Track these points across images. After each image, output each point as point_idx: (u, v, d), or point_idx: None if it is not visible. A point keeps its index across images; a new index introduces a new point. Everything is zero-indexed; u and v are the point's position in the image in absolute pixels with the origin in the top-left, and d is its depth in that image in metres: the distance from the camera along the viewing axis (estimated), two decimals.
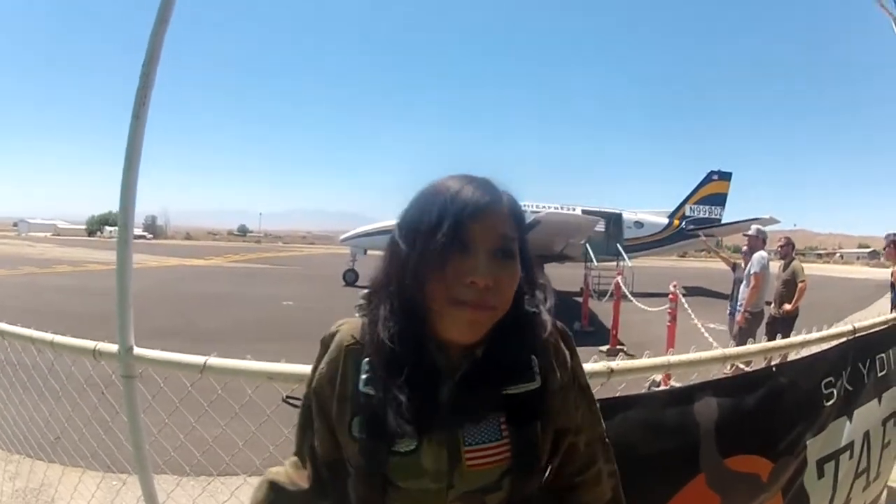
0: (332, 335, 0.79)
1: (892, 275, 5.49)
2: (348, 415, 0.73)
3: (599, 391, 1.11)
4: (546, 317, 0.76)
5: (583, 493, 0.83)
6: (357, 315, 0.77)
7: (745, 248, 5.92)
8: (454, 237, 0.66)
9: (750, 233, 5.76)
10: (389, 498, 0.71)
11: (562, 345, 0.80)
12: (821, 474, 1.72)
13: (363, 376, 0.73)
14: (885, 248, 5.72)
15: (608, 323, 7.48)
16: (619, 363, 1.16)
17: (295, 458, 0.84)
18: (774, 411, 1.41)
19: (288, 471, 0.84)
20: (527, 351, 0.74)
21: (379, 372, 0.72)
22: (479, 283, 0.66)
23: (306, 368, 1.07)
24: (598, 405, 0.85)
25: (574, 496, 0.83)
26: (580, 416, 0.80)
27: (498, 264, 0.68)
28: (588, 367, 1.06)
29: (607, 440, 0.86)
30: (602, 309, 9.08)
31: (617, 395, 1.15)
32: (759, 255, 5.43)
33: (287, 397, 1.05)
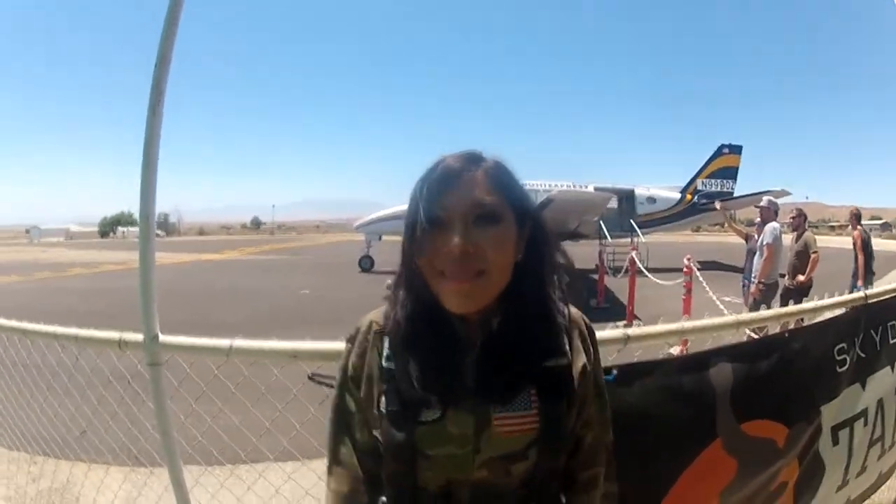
0: (357, 328, 0.83)
1: None
2: (376, 393, 0.76)
3: (616, 358, 1.13)
4: (560, 297, 0.78)
5: (573, 494, 0.82)
6: (385, 299, 0.80)
7: (757, 220, 5.97)
8: (429, 213, 0.69)
9: (762, 204, 5.77)
10: (419, 468, 0.73)
11: (587, 334, 0.83)
12: (835, 441, 1.73)
13: (385, 353, 0.76)
14: None
15: (624, 299, 7.51)
16: (634, 330, 1.18)
17: (334, 471, 0.81)
18: (788, 376, 1.42)
19: (332, 488, 0.81)
20: (543, 323, 0.76)
21: (400, 346, 0.75)
22: (454, 251, 0.68)
23: (330, 345, 1.10)
24: (609, 414, 0.86)
25: (568, 493, 0.83)
26: (591, 412, 0.82)
27: (478, 230, 0.69)
28: (605, 333, 1.08)
29: (612, 454, 0.86)
30: (617, 285, 9.12)
31: (635, 360, 1.17)
32: (772, 226, 5.44)
33: (312, 374, 1.08)
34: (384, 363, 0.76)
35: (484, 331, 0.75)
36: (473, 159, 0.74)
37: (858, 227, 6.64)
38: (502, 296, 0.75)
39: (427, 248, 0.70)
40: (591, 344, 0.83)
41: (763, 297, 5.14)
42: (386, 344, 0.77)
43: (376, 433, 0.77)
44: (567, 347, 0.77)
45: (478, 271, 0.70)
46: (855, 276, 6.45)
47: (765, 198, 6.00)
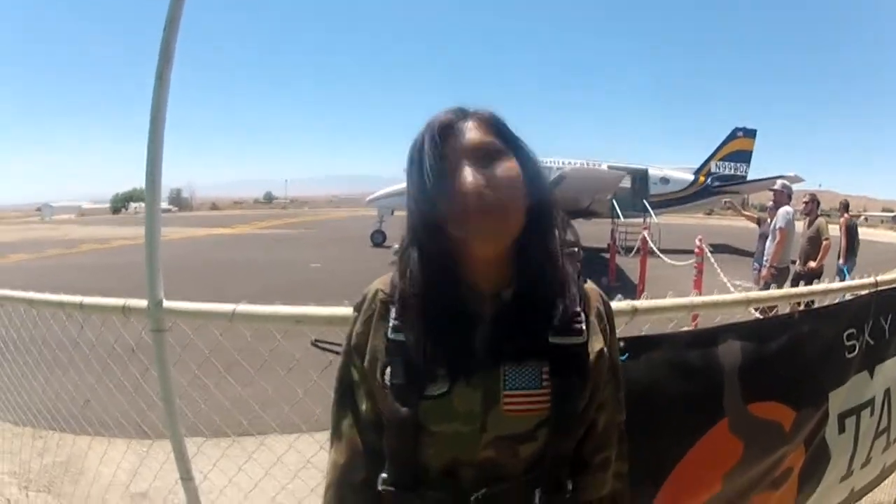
0: (364, 296, 0.80)
1: None
2: (380, 364, 0.74)
3: (624, 330, 1.12)
4: (570, 260, 0.76)
5: (583, 476, 0.78)
6: (391, 264, 0.78)
7: (770, 204, 6.00)
8: (433, 165, 0.68)
9: (776, 187, 5.76)
10: (423, 445, 0.71)
11: (604, 313, 0.80)
12: (842, 429, 1.71)
13: (392, 323, 0.74)
14: None
15: (635, 278, 7.52)
16: (643, 303, 1.17)
17: (335, 441, 0.80)
18: (797, 358, 1.40)
19: (332, 458, 0.80)
20: (554, 294, 0.74)
21: (407, 316, 0.72)
22: (469, 188, 0.67)
23: (335, 311, 1.09)
24: (623, 394, 0.83)
25: (579, 475, 0.79)
26: (606, 394, 0.79)
27: (486, 167, 0.69)
28: (612, 305, 1.06)
29: (625, 433, 0.84)
30: (629, 265, 9.10)
31: (643, 333, 1.16)
32: (785, 209, 5.42)
33: (316, 340, 1.07)
34: (390, 334, 0.74)
35: (495, 304, 0.73)
36: (463, 111, 0.73)
37: (846, 214, 7.35)
38: (513, 261, 0.73)
39: (440, 201, 0.68)
40: (609, 323, 0.80)
41: (774, 282, 5.13)
42: (392, 314, 0.74)
43: (380, 406, 0.75)
44: (583, 325, 0.74)
45: (495, 205, 0.68)
46: (838, 255, 7.00)
47: (779, 181, 6.03)
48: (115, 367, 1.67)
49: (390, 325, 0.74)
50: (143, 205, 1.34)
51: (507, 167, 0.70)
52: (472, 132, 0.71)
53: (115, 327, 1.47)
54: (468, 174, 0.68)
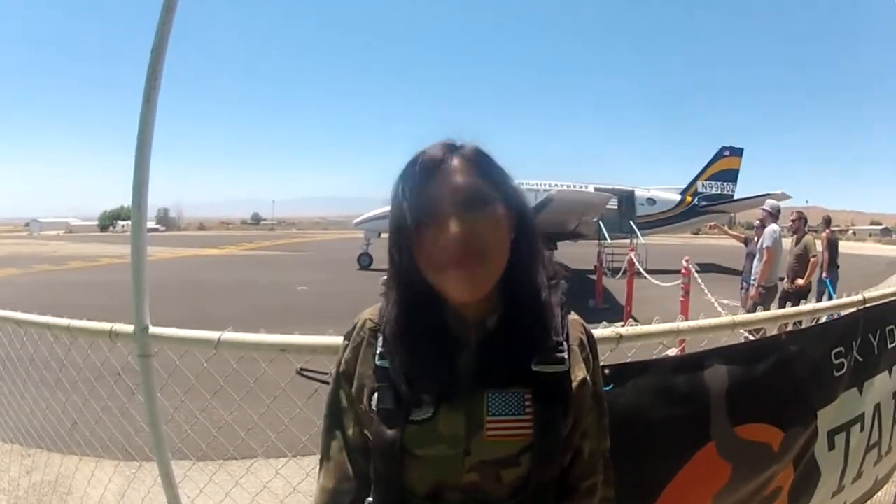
0: (353, 325, 0.82)
1: None
2: (367, 391, 0.75)
3: (609, 357, 1.12)
4: (554, 291, 0.77)
5: (570, 503, 0.79)
6: (381, 295, 0.79)
7: (756, 222, 6.10)
8: (416, 210, 0.68)
9: (764, 207, 5.82)
10: (408, 468, 0.72)
11: (586, 343, 0.81)
12: (832, 446, 1.71)
13: (379, 351, 0.75)
14: None
15: (622, 300, 7.55)
16: (628, 329, 1.17)
17: (324, 466, 0.80)
18: (784, 379, 1.41)
19: (321, 483, 0.80)
20: (539, 324, 0.75)
21: (393, 343, 0.74)
22: (452, 240, 0.67)
23: (319, 340, 1.09)
24: (608, 421, 0.84)
25: (566, 502, 0.79)
26: (589, 422, 0.80)
27: (469, 216, 0.68)
28: (597, 332, 1.07)
29: (610, 460, 0.84)
30: (616, 286, 9.13)
31: (628, 360, 1.16)
32: (770, 228, 5.49)
33: (301, 369, 1.07)
34: (377, 361, 0.75)
35: (479, 331, 0.74)
36: (450, 148, 0.73)
37: (827, 230, 7.45)
38: (498, 291, 0.74)
39: (422, 243, 0.69)
40: (592, 352, 0.81)
41: (762, 300, 5.15)
42: (380, 342, 0.76)
43: (367, 432, 0.76)
44: (565, 354, 0.75)
45: (477, 255, 0.68)
46: (821, 268, 7.09)
47: (768, 201, 6.07)
48: (103, 389, 1.66)
49: (377, 352, 0.76)
50: (130, 223, 1.34)
51: (491, 214, 0.70)
52: (457, 175, 0.70)
53: (102, 349, 1.46)
54: (451, 224, 0.68)
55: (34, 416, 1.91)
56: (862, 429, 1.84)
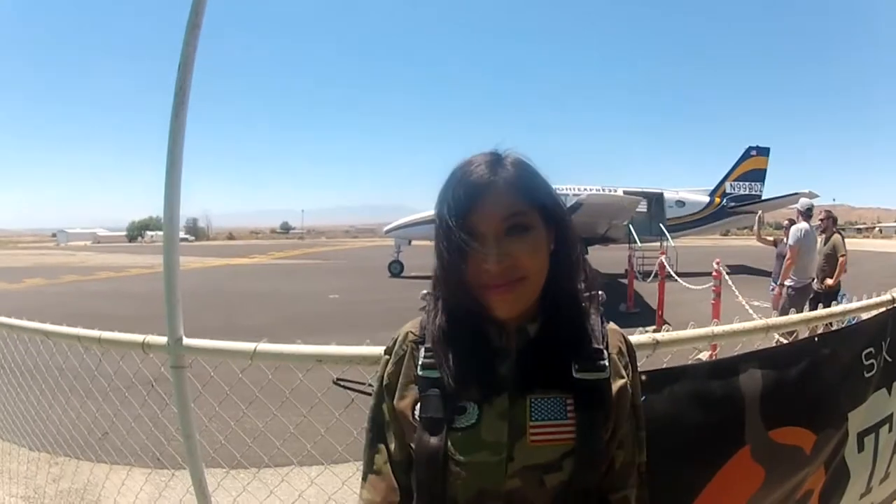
0: (395, 339, 0.83)
1: None
2: (411, 402, 0.76)
3: (644, 363, 1.11)
4: (593, 300, 0.79)
5: None
6: (422, 310, 0.81)
7: (785, 222, 6.12)
8: (462, 232, 0.70)
9: (797, 206, 5.78)
10: (451, 476, 0.72)
11: (625, 352, 0.82)
12: (861, 448, 1.70)
13: (421, 361, 0.77)
14: None
15: (653, 303, 7.45)
16: (664, 335, 1.17)
17: (368, 480, 0.81)
18: (817, 382, 1.40)
19: (365, 497, 0.80)
20: (580, 332, 0.76)
21: (436, 353, 0.75)
22: (493, 268, 0.70)
23: (355, 350, 1.09)
24: (644, 434, 0.84)
25: None
26: (625, 432, 0.80)
27: (512, 240, 0.71)
28: (634, 338, 1.06)
29: (645, 475, 0.84)
30: (647, 290, 9.02)
31: (664, 366, 1.15)
32: (795, 227, 5.46)
33: (337, 379, 1.08)
34: (419, 371, 0.76)
35: (521, 338, 0.76)
36: (496, 163, 0.74)
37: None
38: (539, 300, 0.75)
39: (468, 263, 0.71)
40: (631, 362, 0.82)
41: (794, 301, 5.12)
42: (422, 353, 0.77)
43: (410, 443, 0.76)
44: (606, 361, 0.76)
45: (517, 279, 0.71)
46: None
47: (801, 200, 6.03)
48: (135, 398, 1.67)
49: (420, 362, 0.77)
50: (159, 233, 1.35)
51: (533, 239, 0.72)
52: (504, 198, 0.72)
53: (134, 358, 1.47)
54: (493, 256, 0.70)
55: (63, 425, 1.93)
56: (890, 430, 1.82)
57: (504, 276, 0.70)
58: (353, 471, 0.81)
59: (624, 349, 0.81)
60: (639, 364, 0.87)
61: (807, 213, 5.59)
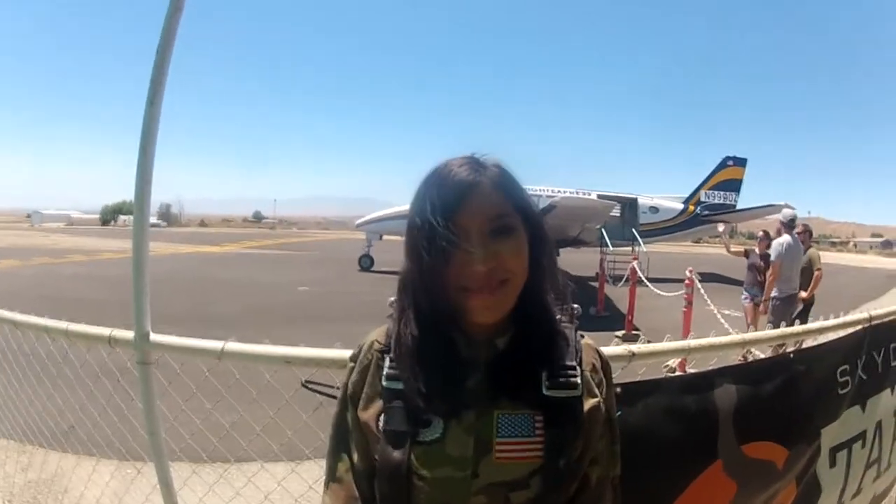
0: (360, 347, 0.81)
1: None
2: (374, 412, 0.74)
3: (620, 375, 1.10)
4: (566, 312, 0.77)
5: None
6: (388, 317, 0.78)
7: (759, 233, 6.22)
8: (445, 235, 0.68)
9: (779, 217, 5.87)
10: (414, 491, 0.70)
11: (599, 368, 0.80)
12: (833, 463, 1.71)
13: (386, 372, 0.74)
14: None
15: (623, 308, 7.48)
16: (640, 347, 1.16)
17: (330, 487, 0.79)
18: (791, 398, 1.40)
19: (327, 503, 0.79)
20: (550, 343, 0.74)
21: (401, 364, 0.73)
22: (479, 270, 0.68)
23: (324, 353, 1.07)
24: (619, 448, 0.82)
25: None
26: (600, 448, 0.78)
27: (496, 243, 0.69)
28: (609, 350, 1.05)
29: (619, 486, 0.83)
30: (617, 294, 9.10)
31: (638, 379, 1.14)
32: (776, 242, 5.54)
33: (306, 381, 1.05)
34: (384, 382, 0.74)
35: (490, 351, 0.73)
36: (477, 168, 0.72)
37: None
38: (511, 310, 0.73)
39: (448, 266, 0.69)
40: (606, 377, 0.80)
41: (780, 312, 5.20)
42: (387, 363, 0.75)
43: (374, 454, 0.74)
44: (578, 379, 0.74)
45: (500, 281, 0.69)
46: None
47: (784, 210, 6.13)
48: (103, 387, 1.63)
49: (384, 373, 0.74)
50: (132, 217, 1.31)
51: (516, 241, 0.71)
52: (488, 201, 0.70)
53: (99, 351, 1.43)
54: (480, 257, 0.68)
55: (31, 413, 1.88)
56: (863, 446, 1.84)
57: (489, 277, 0.68)
58: (319, 473, 0.79)
59: (598, 365, 0.80)
60: (613, 377, 0.86)
61: (789, 225, 5.66)
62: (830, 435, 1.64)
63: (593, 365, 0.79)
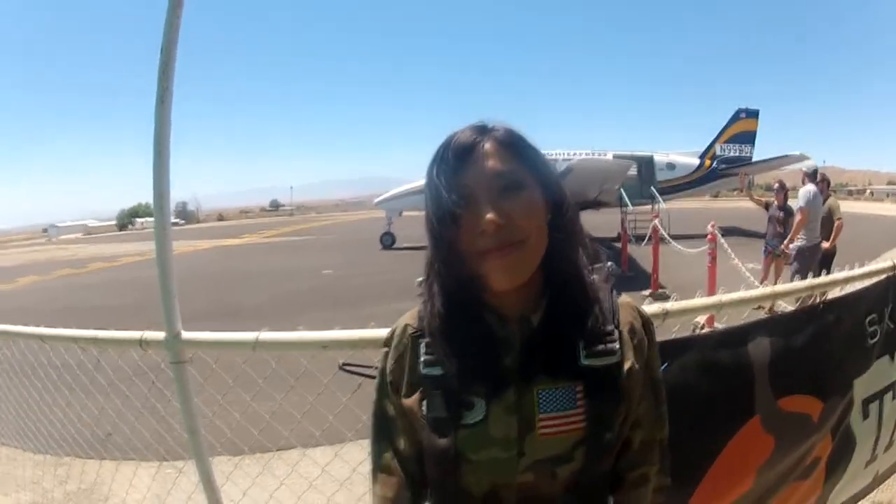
0: (392, 331, 0.80)
1: None
2: (416, 398, 0.74)
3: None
4: (595, 276, 0.75)
5: (621, 493, 0.77)
6: (419, 296, 0.77)
7: (775, 185, 6.21)
8: (452, 196, 0.67)
9: (804, 169, 5.89)
10: (463, 473, 0.70)
11: (640, 328, 0.78)
12: (866, 415, 1.71)
13: (423, 358, 0.74)
14: None
15: (647, 267, 7.45)
16: (673, 305, 1.15)
17: (379, 476, 0.79)
18: (823, 349, 1.39)
19: (378, 493, 0.79)
20: (584, 314, 0.72)
21: (438, 347, 0.72)
22: (488, 227, 0.66)
23: (360, 334, 1.07)
24: (665, 409, 0.81)
25: (616, 492, 0.78)
26: (642, 411, 0.77)
27: (505, 201, 0.67)
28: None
29: (667, 448, 0.82)
30: (639, 253, 9.02)
31: (672, 336, 1.14)
32: (804, 189, 5.50)
33: (343, 364, 1.06)
34: (423, 369, 0.73)
35: (524, 328, 0.72)
36: (481, 130, 0.71)
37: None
38: (541, 283, 0.72)
39: (461, 232, 0.68)
40: (648, 336, 0.78)
41: (805, 261, 5.19)
42: (422, 348, 0.74)
43: (420, 438, 0.74)
44: (616, 344, 0.73)
45: (516, 241, 0.68)
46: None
47: (805, 162, 6.15)
48: (138, 391, 1.65)
49: (422, 359, 0.74)
50: (149, 219, 1.31)
51: (527, 198, 0.69)
52: (490, 159, 0.69)
53: (131, 355, 1.44)
54: (488, 214, 0.66)
55: (66, 425, 1.90)
56: (894, 397, 1.83)
57: (500, 238, 0.66)
58: (362, 455, 0.80)
59: (637, 325, 0.78)
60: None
61: (812, 175, 5.63)
62: (862, 386, 1.63)
63: (631, 325, 0.77)
